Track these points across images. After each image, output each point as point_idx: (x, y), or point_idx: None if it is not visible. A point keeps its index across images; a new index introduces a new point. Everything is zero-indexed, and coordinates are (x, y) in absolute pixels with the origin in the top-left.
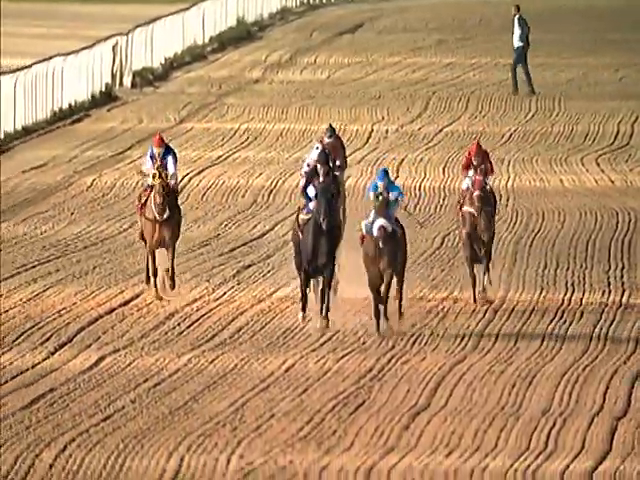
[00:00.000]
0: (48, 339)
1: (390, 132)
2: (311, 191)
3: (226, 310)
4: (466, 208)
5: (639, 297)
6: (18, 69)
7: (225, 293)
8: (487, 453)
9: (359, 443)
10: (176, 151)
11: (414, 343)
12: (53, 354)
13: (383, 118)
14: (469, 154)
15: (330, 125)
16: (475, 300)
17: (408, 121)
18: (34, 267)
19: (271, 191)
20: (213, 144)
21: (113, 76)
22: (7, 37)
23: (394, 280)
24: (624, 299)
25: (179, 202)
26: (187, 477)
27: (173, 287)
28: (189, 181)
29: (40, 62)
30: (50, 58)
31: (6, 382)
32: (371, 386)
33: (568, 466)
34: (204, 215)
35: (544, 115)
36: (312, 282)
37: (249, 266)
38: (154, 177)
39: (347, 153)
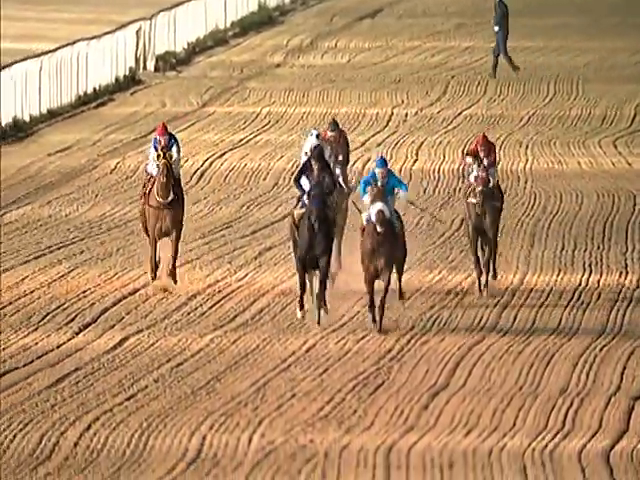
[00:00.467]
0: (73, 320)
1: (410, 115)
2: (305, 184)
3: (248, 291)
4: (471, 200)
5: None
6: (43, 53)
7: (247, 275)
8: (505, 432)
9: (379, 422)
10: (179, 142)
11: (433, 324)
12: (78, 334)
13: (403, 102)
14: (475, 145)
15: (333, 118)
16: (480, 290)
17: (427, 104)
18: (59, 249)
19: (292, 173)
20: (235, 127)
21: (137, 60)
22: (32, 22)
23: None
24: None
25: (183, 194)
26: (209, 456)
27: (175, 281)
28: (211, 164)
29: (65, 47)
30: (74, 43)
31: (32, 362)
32: (391, 366)
33: (585, 445)
34: (226, 198)
35: (562, 98)
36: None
37: (270, 248)
38: (158, 158)
39: (367, 136)
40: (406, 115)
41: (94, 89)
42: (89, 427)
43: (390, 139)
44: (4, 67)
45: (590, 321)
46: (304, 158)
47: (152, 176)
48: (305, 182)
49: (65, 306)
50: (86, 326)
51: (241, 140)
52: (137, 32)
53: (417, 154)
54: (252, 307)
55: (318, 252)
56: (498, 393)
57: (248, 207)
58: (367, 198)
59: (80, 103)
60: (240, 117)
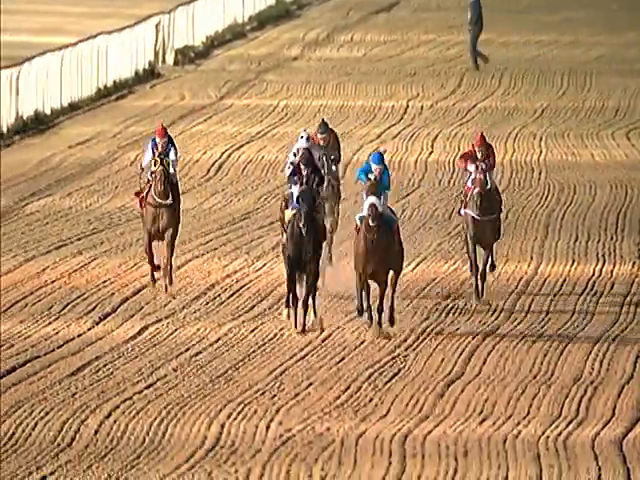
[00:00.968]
0: (93, 309)
1: (425, 108)
2: (295, 188)
3: (265, 281)
4: (468, 211)
5: None
6: (64, 47)
7: (264, 265)
8: (520, 420)
9: (395, 411)
10: (177, 145)
11: (448, 313)
12: (98, 324)
13: (418, 94)
14: (473, 146)
15: (323, 119)
16: (479, 297)
17: (442, 97)
18: (79, 239)
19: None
20: (253, 120)
21: (156, 54)
22: (53, 16)
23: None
24: None
25: (180, 193)
26: (227, 443)
27: (171, 283)
28: (229, 156)
29: (85, 40)
30: (95, 36)
31: (53, 351)
32: (406, 355)
33: (599, 433)
34: (244, 189)
35: (575, 91)
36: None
37: None
38: (155, 163)
39: (383, 129)
40: (421, 108)
41: (114, 82)
42: (109, 415)
43: (405, 131)
44: (25, 61)
45: (603, 311)
46: (291, 158)
47: (149, 180)
48: (296, 186)
49: (85, 296)
50: (106, 316)
51: (259, 132)
52: (156, 26)
53: (432, 146)
54: (270, 297)
55: (306, 256)
56: (512, 382)
57: (266, 199)
58: (362, 177)
59: (100, 96)
60: (258, 110)
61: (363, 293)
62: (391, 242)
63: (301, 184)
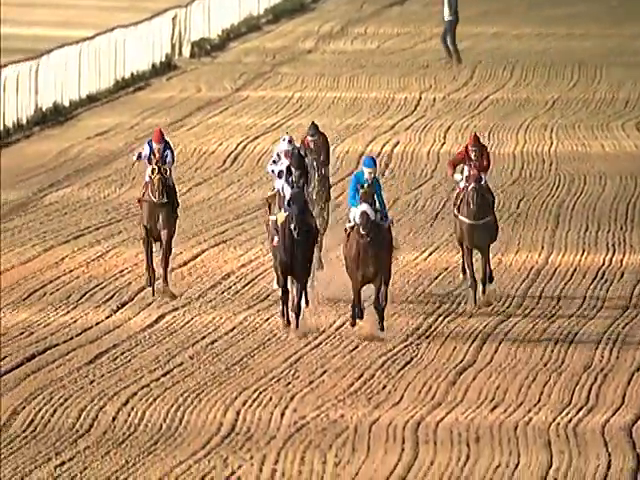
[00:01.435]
0: (111, 298)
1: (437, 100)
2: (287, 190)
3: None
4: (461, 217)
5: None
6: (82, 40)
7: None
8: (530, 408)
9: (407, 398)
10: (173, 148)
11: (460, 302)
12: (115, 312)
13: (431, 86)
14: (465, 147)
15: (313, 122)
16: (475, 302)
17: (455, 89)
18: (97, 229)
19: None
20: (268, 112)
21: (172, 46)
22: (72, 9)
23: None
24: None
25: (178, 199)
26: (243, 430)
27: (167, 283)
28: (244, 148)
29: (103, 33)
30: (112, 30)
31: (71, 339)
32: (419, 343)
33: (609, 420)
34: (259, 180)
35: (586, 83)
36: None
37: None
38: (153, 172)
39: (396, 120)
40: (434, 99)
41: (131, 75)
42: (127, 402)
43: (418, 123)
44: (44, 54)
45: (613, 299)
46: (274, 159)
47: (147, 182)
48: (287, 188)
49: (103, 285)
50: (123, 304)
51: (274, 124)
52: (173, 19)
53: (445, 137)
54: None
55: (298, 260)
56: (524, 369)
57: None
58: (355, 205)
59: (118, 88)
60: (273, 102)
61: (361, 299)
62: (383, 246)
63: (292, 186)
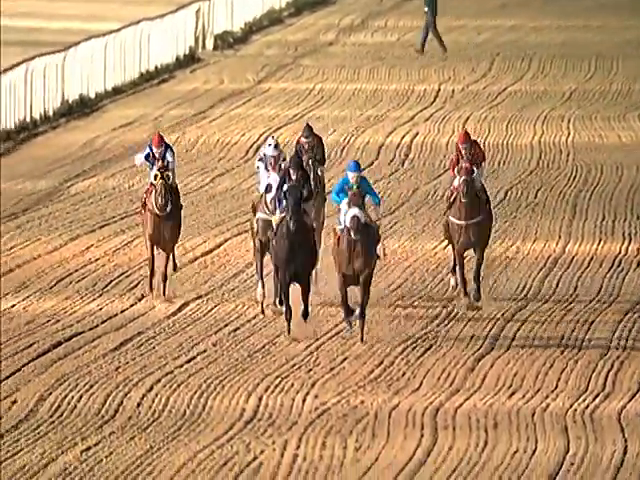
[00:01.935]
0: (135, 286)
1: (456, 91)
2: (264, 185)
3: None
4: (452, 219)
5: None
6: (108, 33)
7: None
8: (548, 394)
9: (427, 385)
10: (174, 148)
11: (478, 291)
12: (140, 300)
13: (449, 78)
14: (457, 146)
15: (307, 124)
16: (466, 293)
17: (473, 81)
18: (122, 219)
19: (344, 147)
20: (289, 103)
21: (196, 39)
22: (98, 3)
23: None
24: None
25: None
26: (265, 416)
27: (165, 292)
28: (266, 138)
29: (128, 26)
30: (137, 23)
31: (97, 326)
32: (438, 331)
33: (625, 406)
34: None
35: (603, 75)
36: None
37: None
38: (155, 178)
39: (415, 111)
40: (453, 91)
41: (156, 67)
42: (151, 388)
43: (437, 114)
44: (71, 46)
45: (629, 288)
46: (258, 164)
47: (151, 184)
48: (278, 182)
49: (128, 273)
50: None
51: (295, 115)
52: (197, 13)
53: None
54: None
55: (300, 262)
56: (541, 356)
57: None
58: (343, 205)
59: (143, 80)
60: (294, 93)
61: (347, 302)
62: (370, 249)
63: (290, 187)
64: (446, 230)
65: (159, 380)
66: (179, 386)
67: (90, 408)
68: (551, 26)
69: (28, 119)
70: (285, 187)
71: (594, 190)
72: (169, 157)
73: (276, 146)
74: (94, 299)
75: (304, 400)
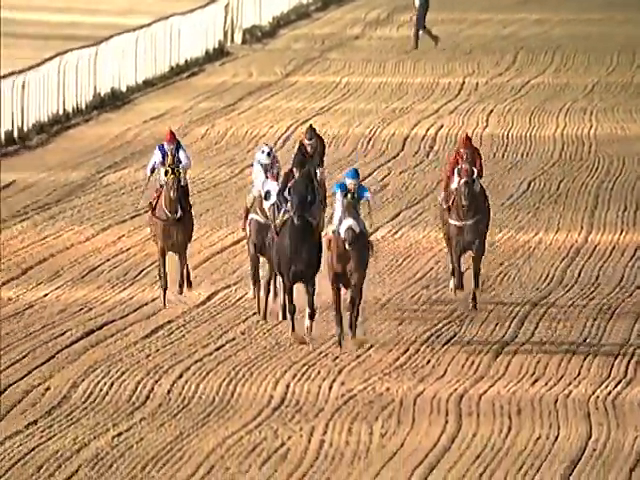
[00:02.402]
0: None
1: (480, 84)
2: (268, 190)
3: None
4: (452, 221)
5: None
6: (139, 27)
7: (325, 234)
8: (570, 381)
9: (451, 372)
10: (186, 148)
11: (502, 280)
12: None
13: (474, 71)
14: (458, 151)
15: (310, 125)
16: (456, 288)
17: (497, 74)
18: None
19: (370, 139)
20: (316, 96)
21: (225, 33)
22: None
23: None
24: None
25: (191, 204)
26: (292, 403)
27: (190, 286)
28: (294, 130)
29: (159, 21)
30: (168, 17)
31: (128, 315)
32: (462, 319)
33: None
34: None
35: (625, 67)
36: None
37: None
38: (167, 174)
39: (440, 104)
40: (477, 84)
41: (186, 61)
42: (181, 375)
43: (462, 107)
44: (103, 41)
45: None
46: (256, 167)
47: (160, 186)
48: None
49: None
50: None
51: (322, 108)
52: (226, 7)
53: (487, 121)
54: None
55: (305, 261)
56: (564, 344)
57: (328, 171)
58: (338, 205)
59: (173, 74)
60: (321, 86)
61: (337, 299)
62: (362, 256)
63: (295, 189)
64: (445, 233)
65: (189, 367)
66: (208, 373)
67: (121, 395)
68: (574, 20)
69: (61, 112)
70: (289, 185)
71: (616, 181)
72: (183, 157)
73: (269, 153)
74: (125, 288)
75: (330, 387)
